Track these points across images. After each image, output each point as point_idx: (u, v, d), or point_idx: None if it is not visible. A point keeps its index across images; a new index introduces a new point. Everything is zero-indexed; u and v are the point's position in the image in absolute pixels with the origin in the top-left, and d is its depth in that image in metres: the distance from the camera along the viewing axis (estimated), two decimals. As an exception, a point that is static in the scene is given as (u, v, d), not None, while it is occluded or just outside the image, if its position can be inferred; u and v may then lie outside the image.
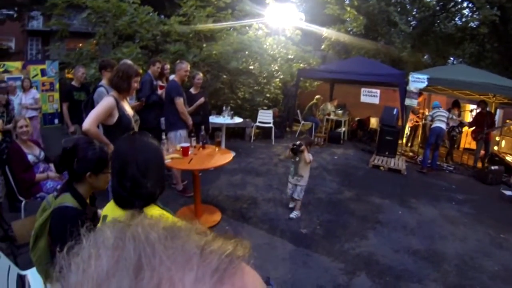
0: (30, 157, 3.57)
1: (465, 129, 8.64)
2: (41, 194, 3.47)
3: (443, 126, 7.34)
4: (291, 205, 4.67)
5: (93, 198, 2.06)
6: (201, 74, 5.73)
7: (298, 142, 4.27)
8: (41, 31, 17.09)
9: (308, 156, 4.28)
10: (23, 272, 2.23)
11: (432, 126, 7.45)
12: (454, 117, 7.86)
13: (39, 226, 1.85)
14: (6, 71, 9.61)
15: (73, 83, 5.58)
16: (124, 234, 0.37)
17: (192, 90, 5.60)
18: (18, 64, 10.03)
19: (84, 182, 1.90)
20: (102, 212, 1.53)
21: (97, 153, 1.89)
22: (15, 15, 13.63)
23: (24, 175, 3.45)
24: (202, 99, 5.57)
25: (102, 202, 2.57)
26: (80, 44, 12.15)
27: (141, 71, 3.21)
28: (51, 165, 3.74)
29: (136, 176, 1.41)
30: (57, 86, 10.17)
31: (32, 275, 2.16)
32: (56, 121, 9.87)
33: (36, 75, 9.86)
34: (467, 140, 8.54)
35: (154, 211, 1.42)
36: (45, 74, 9.90)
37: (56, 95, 10.11)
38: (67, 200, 1.83)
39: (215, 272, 0.34)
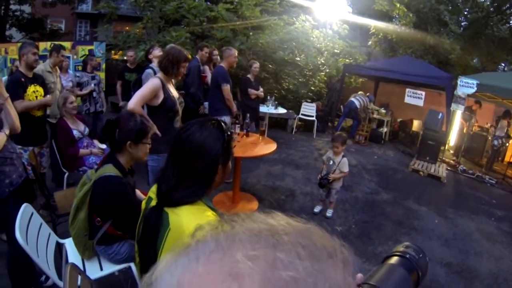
0: (75, 133, 3.74)
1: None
2: (83, 168, 3.67)
3: (356, 103, 8.82)
4: (316, 210, 4.47)
5: (131, 171, 2.20)
6: (258, 63, 5.83)
7: (324, 178, 4.09)
8: (89, 13, 17.75)
9: (345, 169, 4.12)
10: (61, 241, 2.35)
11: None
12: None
13: (79, 198, 1.99)
14: (56, 50, 9.96)
15: (128, 64, 6.02)
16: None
17: (251, 77, 5.73)
18: (67, 44, 10.27)
19: (124, 152, 2.06)
20: (148, 193, 1.41)
21: (138, 124, 2.08)
22: (65, -2, 14.09)
23: (69, 150, 3.65)
24: (262, 94, 5.81)
25: (140, 181, 2.66)
26: (127, 27, 12.44)
27: (189, 56, 3.28)
28: (95, 141, 3.95)
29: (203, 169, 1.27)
30: (103, 66, 10.45)
31: (70, 244, 2.27)
32: (102, 100, 10.11)
33: (84, 55, 10.07)
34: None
35: (198, 207, 1.25)
36: (93, 54, 10.06)
37: (102, 75, 10.34)
38: (109, 170, 1.96)
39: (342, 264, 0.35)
